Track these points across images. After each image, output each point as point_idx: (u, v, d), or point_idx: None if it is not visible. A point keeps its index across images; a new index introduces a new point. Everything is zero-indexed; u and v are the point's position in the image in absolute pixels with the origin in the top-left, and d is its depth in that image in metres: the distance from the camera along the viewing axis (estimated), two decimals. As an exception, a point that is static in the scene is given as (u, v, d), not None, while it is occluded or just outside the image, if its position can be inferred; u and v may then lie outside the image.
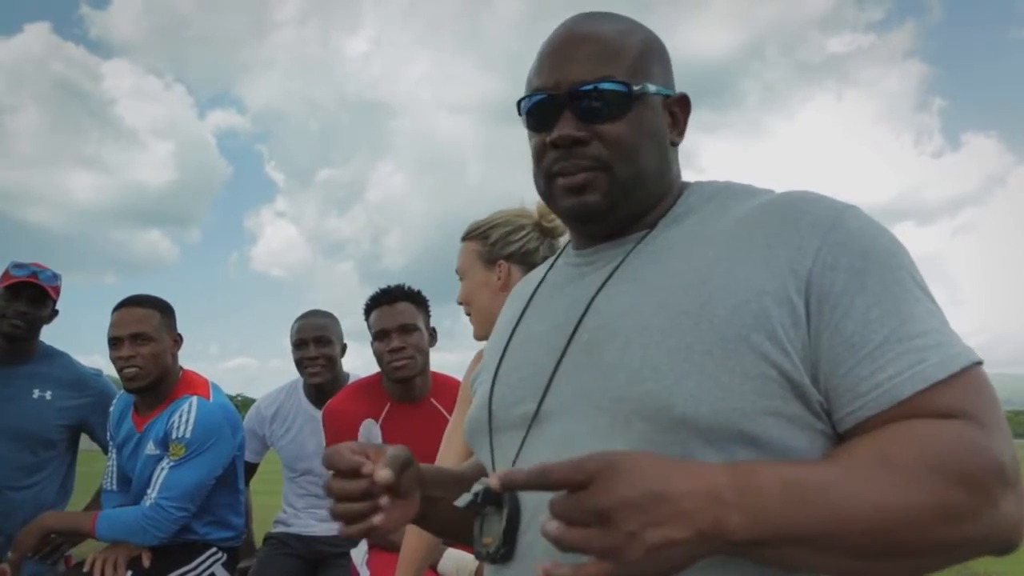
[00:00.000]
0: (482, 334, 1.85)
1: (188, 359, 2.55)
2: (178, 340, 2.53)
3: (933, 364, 0.76)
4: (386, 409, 2.50)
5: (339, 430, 2.45)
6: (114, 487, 2.57)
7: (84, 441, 2.89)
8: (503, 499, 0.86)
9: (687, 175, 1.02)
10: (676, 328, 0.82)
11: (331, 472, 0.87)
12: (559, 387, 0.89)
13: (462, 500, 0.91)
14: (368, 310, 2.54)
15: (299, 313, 3.11)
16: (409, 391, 2.52)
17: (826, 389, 0.79)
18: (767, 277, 0.81)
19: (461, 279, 1.89)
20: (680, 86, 1.00)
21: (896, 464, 0.71)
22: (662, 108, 0.95)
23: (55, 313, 2.79)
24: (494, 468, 0.96)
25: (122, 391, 2.58)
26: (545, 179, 0.96)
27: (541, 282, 1.06)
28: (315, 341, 2.92)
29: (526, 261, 1.79)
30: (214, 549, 2.50)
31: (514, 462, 0.91)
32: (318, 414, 2.70)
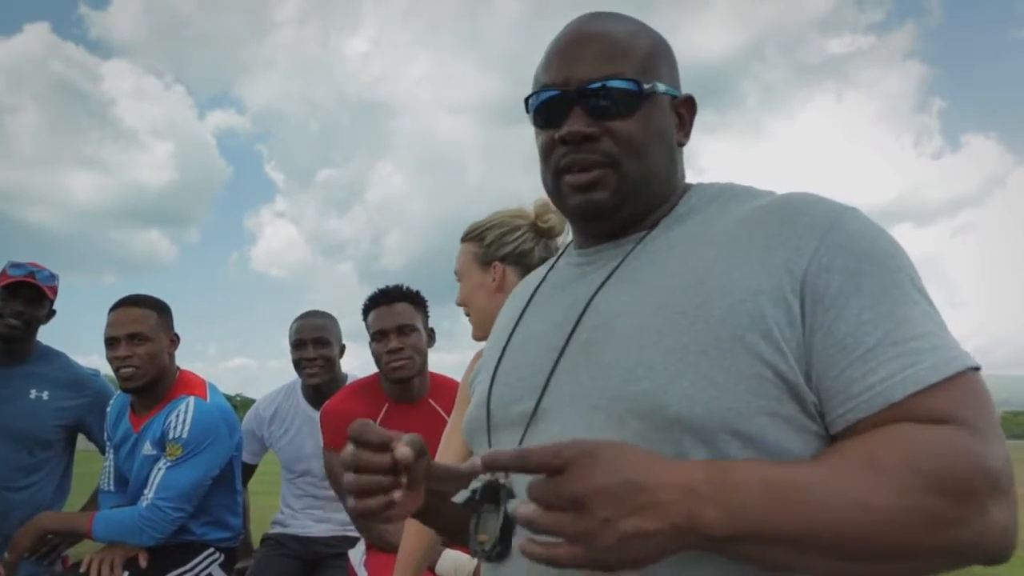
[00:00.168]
0: (481, 335, 1.86)
1: (187, 359, 2.56)
2: (175, 340, 2.52)
3: (927, 367, 0.75)
4: (384, 410, 2.49)
5: (337, 431, 2.45)
6: (111, 487, 2.57)
7: (81, 441, 2.89)
8: (500, 497, 0.86)
9: (686, 176, 1.02)
10: (673, 328, 0.82)
11: (353, 446, 0.83)
12: (557, 386, 0.89)
13: (460, 497, 0.91)
14: (366, 310, 2.54)
15: (298, 313, 3.11)
16: (407, 392, 2.51)
17: (818, 390, 0.79)
18: (763, 277, 0.81)
19: (459, 281, 1.90)
20: (681, 86, 1.00)
21: (882, 467, 0.70)
22: (669, 108, 0.96)
23: (52, 313, 2.78)
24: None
25: (119, 391, 2.58)
26: (553, 176, 0.95)
27: (542, 282, 1.06)
28: (313, 342, 2.92)
29: (521, 262, 1.80)
30: (211, 550, 2.50)
31: None
32: (316, 415, 2.70)
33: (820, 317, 0.78)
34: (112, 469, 2.57)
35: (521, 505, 0.69)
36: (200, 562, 2.45)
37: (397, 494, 0.82)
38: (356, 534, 2.68)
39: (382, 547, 2.30)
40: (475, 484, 0.86)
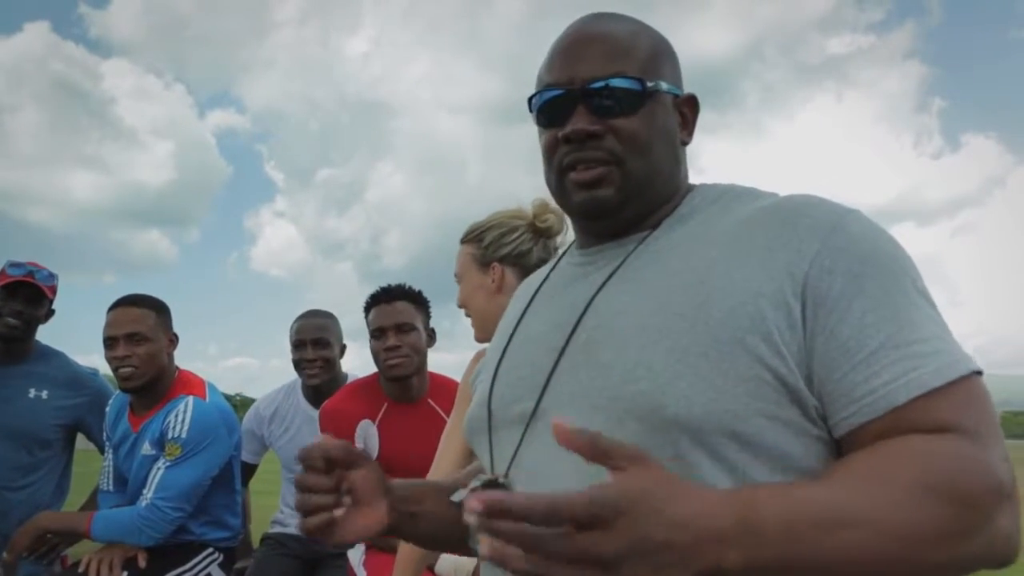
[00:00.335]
0: (482, 336, 1.86)
1: (187, 359, 2.56)
2: (174, 340, 2.52)
3: (930, 371, 0.75)
4: (383, 409, 2.49)
5: (336, 430, 2.44)
6: (110, 487, 2.57)
7: (81, 441, 2.89)
8: None
9: (688, 176, 1.01)
10: (672, 329, 0.82)
11: (302, 466, 0.91)
12: (557, 386, 0.89)
13: (458, 495, 0.91)
14: (368, 308, 2.55)
15: (298, 313, 3.10)
16: (406, 391, 2.51)
17: (820, 394, 0.78)
18: (765, 280, 0.81)
19: (459, 283, 1.90)
20: (684, 87, 1.00)
21: (895, 484, 0.69)
22: (672, 107, 0.96)
23: (52, 313, 2.78)
24: (493, 465, 0.96)
25: (118, 391, 2.57)
26: (557, 174, 0.95)
27: (544, 282, 1.06)
28: (313, 343, 2.92)
29: (520, 263, 1.80)
30: (210, 549, 2.50)
31: (512, 459, 0.91)
32: (316, 414, 2.70)
33: (822, 320, 0.78)
34: (111, 469, 2.57)
35: (516, 559, 0.60)
36: (199, 562, 2.45)
37: (338, 512, 0.88)
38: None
39: (381, 547, 2.30)
40: (474, 483, 0.86)
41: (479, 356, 1.79)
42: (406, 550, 1.76)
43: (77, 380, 2.81)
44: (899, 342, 0.76)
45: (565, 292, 0.99)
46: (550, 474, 0.84)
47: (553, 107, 0.94)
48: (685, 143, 0.99)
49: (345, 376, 3.01)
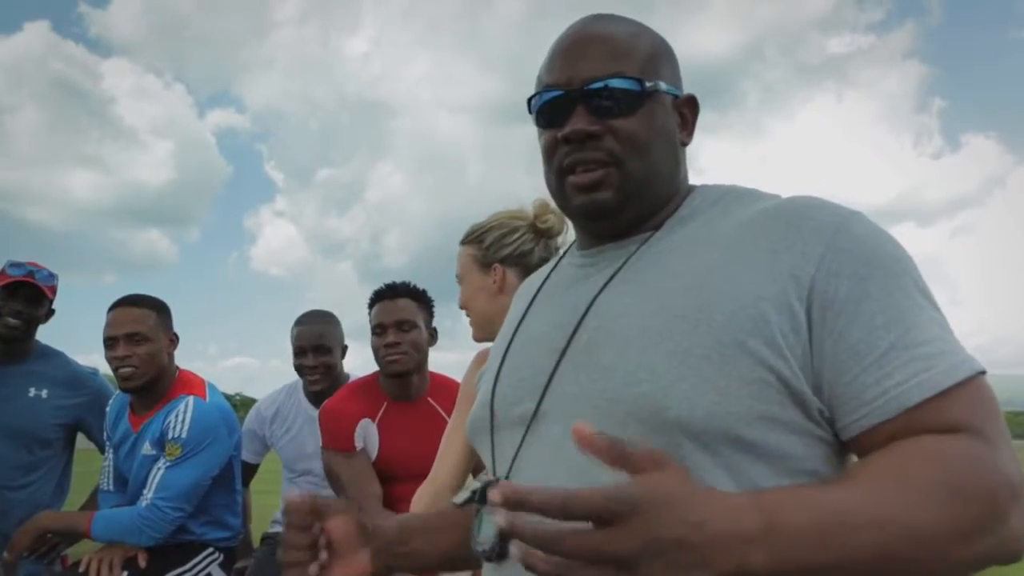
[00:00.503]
0: (481, 336, 1.86)
1: (187, 358, 2.56)
2: (174, 340, 2.52)
3: (940, 372, 0.76)
4: (383, 408, 2.49)
5: (336, 430, 2.45)
6: (111, 487, 2.57)
7: (81, 440, 2.89)
8: None
9: (689, 177, 1.01)
10: (674, 331, 0.82)
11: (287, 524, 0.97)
12: (558, 387, 0.89)
13: (460, 497, 0.92)
14: (371, 303, 2.56)
15: (299, 313, 3.10)
16: (406, 389, 2.52)
17: (830, 398, 0.78)
18: (768, 282, 0.81)
19: (460, 284, 1.90)
20: (683, 88, 1.00)
21: (916, 484, 0.70)
22: (672, 108, 0.96)
23: (51, 313, 2.78)
24: (494, 466, 0.96)
25: (119, 391, 2.57)
26: (557, 175, 0.95)
27: (545, 282, 1.07)
28: (314, 350, 2.92)
29: (521, 263, 1.80)
30: (210, 549, 2.50)
31: (513, 460, 0.91)
32: (317, 415, 2.70)
33: (830, 323, 0.78)
34: (111, 469, 2.57)
35: (535, 559, 0.61)
36: (199, 562, 2.45)
37: (313, 569, 0.94)
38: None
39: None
40: (475, 484, 0.86)
41: (480, 356, 1.79)
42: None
43: (77, 379, 2.81)
44: (907, 343, 0.77)
45: (566, 293, 0.99)
46: (550, 475, 0.84)
47: (552, 108, 0.94)
48: (685, 144, 0.99)
49: (347, 376, 3.01)
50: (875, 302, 0.78)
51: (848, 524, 0.67)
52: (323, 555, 0.95)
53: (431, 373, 2.60)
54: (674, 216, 0.95)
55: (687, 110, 0.99)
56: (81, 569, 2.32)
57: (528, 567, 0.61)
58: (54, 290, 2.73)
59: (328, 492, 2.83)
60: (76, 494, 2.90)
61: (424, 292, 2.57)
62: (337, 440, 2.43)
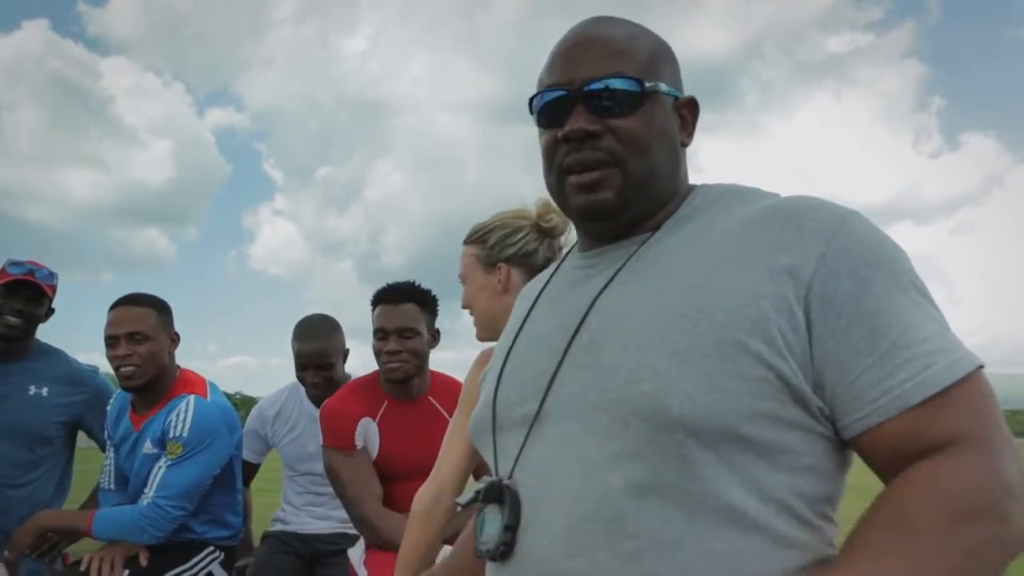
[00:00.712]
0: (485, 336, 1.86)
1: (186, 357, 2.56)
2: (175, 339, 2.52)
3: (940, 369, 0.77)
4: (384, 407, 2.49)
5: (336, 429, 2.45)
6: (111, 486, 2.57)
7: (82, 439, 2.89)
8: (503, 497, 0.87)
9: (688, 177, 1.02)
10: (675, 330, 0.82)
11: None
12: (560, 388, 0.90)
13: (464, 498, 0.92)
14: (374, 303, 2.54)
15: (298, 312, 3.11)
16: (406, 389, 2.52)
17: (831, 397, 0.79)
18: (767, 282, 0.81)
19: (463, 284, 1.89)
20: (684, 90, 1.01)
21: (920, 533, 0.71)
22: (672, 109, 0.97)
23: (51, 311, 2.78)
24: (497, 467, 0.97)
25: (119, 389, 2.58)
26: (557, 175, 0.96)
27: (547, 284, 1.07)
28: (315, 367, 2.93)
29: (526, 263, 1.80)
30: (211, 548, 2.50)
31: (516, 461, 0.91)
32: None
33: (831, 322, 0.79)
34: (112, 467, 2.57)
35: None
36: (200, 560, 2.46)
37: None
38: (356, 532, 2.69)
39: (381, 546, 2.31)
40: (478, 485, 0.87)
41: (483, 356, 1.79)
42: (407, 548, 1.76)
43: (77, 377, 2.82)
44: (908, 341, 0.78)
45: (568, 294, 0.99)
46: (553, 476, 0.85)
47: (553, 108, 0.95)
48: (685, 145, 0.99)
49: (347, 377, 3.02)
50: (876, 301, 0.79)
51: None
52: None
53: (432, 372, 2.60)
54: (674, 216, 0.96)
55: (687, 111, 0.99)
56: (82, 568, 2.33)
57: None
58: (54, 289, 2.73)
59: (329, 490, 2.83)
60: (77, 492, 2.91)
61: (428, 293, 2.56)
62: (338, 439, 2.43)
